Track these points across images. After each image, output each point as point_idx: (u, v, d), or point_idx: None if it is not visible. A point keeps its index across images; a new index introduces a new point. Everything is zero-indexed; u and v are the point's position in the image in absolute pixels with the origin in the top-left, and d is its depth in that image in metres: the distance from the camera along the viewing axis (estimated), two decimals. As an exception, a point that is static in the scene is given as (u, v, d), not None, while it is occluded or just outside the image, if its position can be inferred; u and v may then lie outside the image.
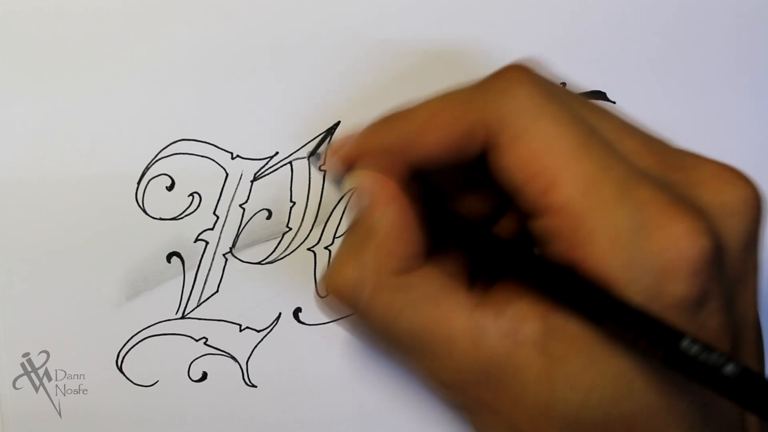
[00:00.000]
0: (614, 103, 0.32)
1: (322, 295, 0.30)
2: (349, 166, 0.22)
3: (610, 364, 0.19)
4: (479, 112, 0.20)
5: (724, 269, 0.19)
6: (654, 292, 0.18)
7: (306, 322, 0.32)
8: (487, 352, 0.20)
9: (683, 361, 0.18)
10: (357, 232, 0.21)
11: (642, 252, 0.18)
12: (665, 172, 0.20)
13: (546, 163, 0.19)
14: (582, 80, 0.32)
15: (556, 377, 0.19)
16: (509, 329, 0.19)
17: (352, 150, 0.22)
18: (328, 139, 0.31)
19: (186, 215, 0.30)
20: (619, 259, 0.18)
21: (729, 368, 0.17)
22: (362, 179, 0.21)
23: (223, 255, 0.31)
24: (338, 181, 0.22)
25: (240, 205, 0.31)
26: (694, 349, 0.17)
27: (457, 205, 0.23)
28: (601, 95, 0.32)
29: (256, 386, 0.32)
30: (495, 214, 0.23)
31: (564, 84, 0.32)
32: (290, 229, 0.31)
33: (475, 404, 0.21)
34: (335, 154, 0.22)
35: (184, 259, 0.31)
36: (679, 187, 0.19)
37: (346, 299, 0.21)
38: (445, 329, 0.20)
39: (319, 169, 0.31)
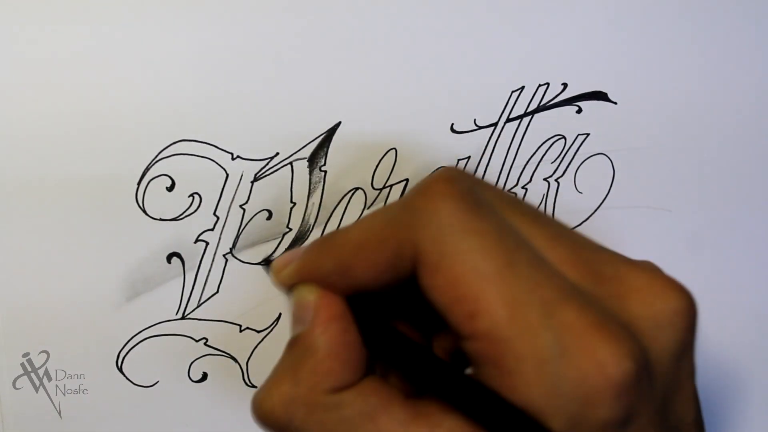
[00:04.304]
0: (615, 103, 0.32)
1: None
2: (291, 286, 0.22)
3: None
4: (405, 232, 0.20)
5: (653, 383, 0.19)
6: (578, 419, 0.18)
7: (306, 323, 0.32)
8: None
9: None
10: (296, 349, 0.21)
11: (565, 379, 0.18)
12: (594, 284, 0.20)
13: (470, 287, 0.19)
14: (582, 80, 0.32)
15: None
16: None
17: (293, 274, 0.22)
18: (328, 142, 0.31)
19: (186, 216, 0.30)
20: (544, 388, 0.18)
21: None
22: (306, 296, 0.21)
23: (224, 255, 0.31)
24: (287, 294, 0.22)
25: (240, 206, 0.31)
26: None
27: (403, 319, 0.23)
28: (601, 95, 0.32)
29: (256, 386, 0.32)
30: (439, 328, 0.23)
31: (566, 85, 0.32)
32: (290, 229, 0.31)
33: None
34: (277, 274, 0.22)
35: (185, 259, 0.31)
36: (609, 300, 0.19)
37: (279, 417, 0.21)
38: None
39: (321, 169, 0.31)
